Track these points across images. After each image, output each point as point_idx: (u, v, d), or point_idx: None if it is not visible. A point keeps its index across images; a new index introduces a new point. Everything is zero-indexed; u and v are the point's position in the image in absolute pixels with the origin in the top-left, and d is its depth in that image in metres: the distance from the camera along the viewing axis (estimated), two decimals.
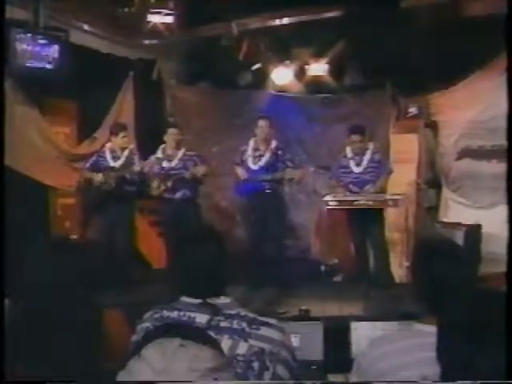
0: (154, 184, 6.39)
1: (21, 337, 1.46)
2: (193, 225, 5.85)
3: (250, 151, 6.40)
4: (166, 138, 6.53)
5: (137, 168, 6.42)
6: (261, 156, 6.34)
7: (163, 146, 6.57)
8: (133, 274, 6.48)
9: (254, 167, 6.34)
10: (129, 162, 6.50)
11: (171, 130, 6.54)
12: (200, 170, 6.38)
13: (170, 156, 6.48)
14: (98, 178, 6.38)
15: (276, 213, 6.32)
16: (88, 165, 6.58)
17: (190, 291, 2.10)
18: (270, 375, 1.96)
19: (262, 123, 6.33)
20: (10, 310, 1.63)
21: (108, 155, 6.56)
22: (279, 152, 6.34)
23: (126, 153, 6.56)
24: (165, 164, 6.46)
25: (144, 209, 7.87)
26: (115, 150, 6.57)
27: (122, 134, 6.56)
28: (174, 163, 6.46)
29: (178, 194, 6.39)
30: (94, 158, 6.62)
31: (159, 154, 6.54)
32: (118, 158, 6.54)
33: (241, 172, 6.38)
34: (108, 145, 6.63)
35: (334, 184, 6.57)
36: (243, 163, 6.41)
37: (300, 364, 2.18)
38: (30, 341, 1.45)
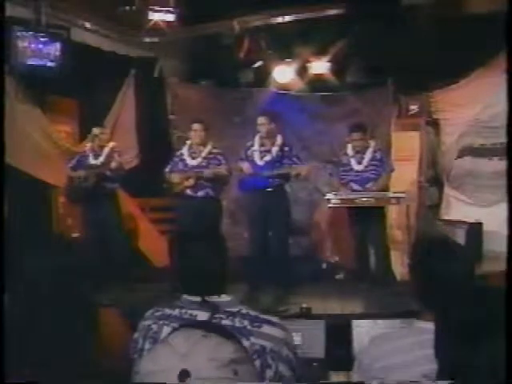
0: (175, 180, 6.28)
1: (21, 336, 1.46)
2: (209, 224, 5.69)
3: (256, 147, 6.25)
4: (190, 133, 6.35)
5: (114, 164, 6.38)
6: (267, 152, 6.20)
7: (189, 142, 6.41)
8: (133, 272, 6.46)
9: (259, 163, 6.19)
10: (109, 160, 6.50)
11: (195, 126, 6.29)
12: (224, 168, 6.22)
13: (194, 153, 6.34)
14: (79, 176, 6.40)
15: (280, 210, 6.20)
16: (71, 164, 6.59)
17: (190, 289, 2.11)
18: (272, 373, 1.96)
19: (261, 120, 6.15)
20: (10, 309, 1.63)
21: (89, 154, 6.58)
22: (286, 148, 6.19)
23: (107, 150, 6.57)
24: (189, 161, 6.32)
25: (145, 207, 7.89)
26: (95, 148, 6.59)
27: (98, 131, 6.57)
28: (198, 161, 6.30)
29: (201, 193, 6.25)
30: (77, 157, 6.64)
31: (184, 150, 6.42)
32: (99, 156, 6.55)
33: (246, 166, 6.19)
34: (89, 144, 6.64)
35: (335, 182, 6.56)
36: (248, 158, 6.26)
37: (302, 362, 2.18)
38: (30, 340, 1.45)
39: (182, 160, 6.35)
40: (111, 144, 6.66)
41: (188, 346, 1.19)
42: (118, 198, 6.78)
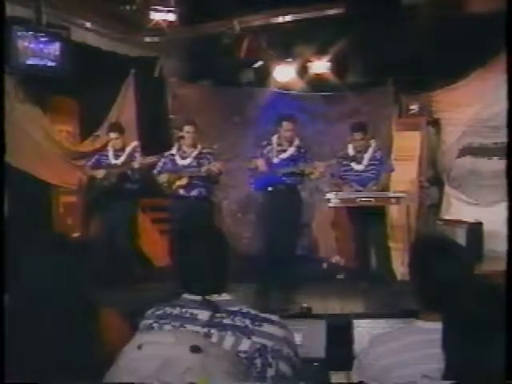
0: (168, 180, 6.31)
1: (21, 336, 1.46)
2: (206, 223, 5.70)
3: (273, 145, 6.27)
4: (182, 135, 6.42)
5: (136, 164, 6.36)
6: (283, 151, 6.23)
7: (179, 142, 6.48)
8: (134, 272, 6.47)
9: (275, 160, 6.21)
10: (130, 160, 6.47)
11: (187, 128, 6.36)
12: (216, 165, 6.23)
13: (185, 153, 6.38)
14: (100, 175, 6.39)
15: (292, 210, 6.21)
16: (90, 163, 6.58)
17: (190, 288, 2.11)
18: (273, 372, 1.96)
19: (287, 126, 6.17)
20: (11, 308, 1.64)
21: (110, 153, 6.55)
22: (302, 150, 6.24)
23: (128, 150, 6.55)
24: (179, 161, 6.36)
25: (145, 206, 7.88)
26: (117, 148, 6.56)
27: (113, 135, 6.52)
28: (188, 161, 6.35)
29: (194, 192, 6.30)
30: (96, 157, 6.61)
31: (174, 150, 6.46)
32: (120, 156, 6.53)
33: (261, 164, 6.19)
34: (110, 143, 6.62)
35: (336, 182, 6.57)
36: (263, 156, 6.26)
37: (302, 361, 2.18)
38: (31, 339, 1.45)
39: (173, 160, 6.39)
40: (133, 144, 6.65)
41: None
42: (137, 198, 6.79)
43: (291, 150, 6.22)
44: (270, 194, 6.24)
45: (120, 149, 6.53)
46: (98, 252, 6.08)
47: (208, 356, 1.10)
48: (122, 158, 6.51)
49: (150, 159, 6.38)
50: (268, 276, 6.10)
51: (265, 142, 6.35)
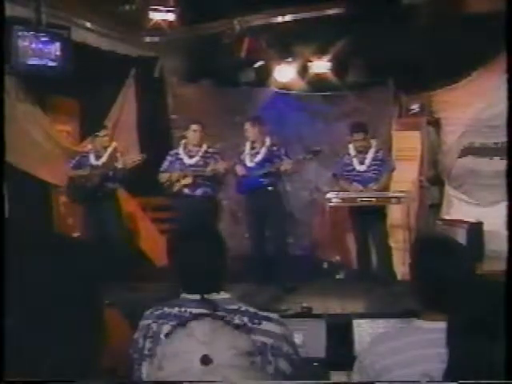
0: (170, 179, 6.31)
1: (21, 335, 1.46)
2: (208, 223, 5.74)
3: (246, 150, 6.42)
4: (187, 133, 6.42)
5: (120, 165, 6.37)
6: (257, 154, 6.35)
7: (184, 141, 6.50)
8: (134, 272, 6.46)
9: (250, 164, 6.34)
10: (111, 160, 6.48)
11: (194, 126, 6.37)
12: (221, 165, 6.26)
13: (191, 152, 6.40)
14: (81, 175, 6.40)
15: (275, 209, 6.30)
16: (72, 164, 6.58)
17: (189, 288, 2.11)
18: (273, 369, 1.96)
19: (245, 126, 6.39)
20: (10, 308, 1.63)
21: (91, 154, 6.57)
22: (274, 148, 6.33)
23: (109, 151, 6.55)
24: (186, 160, 6.38)
25: (146, 206, 7.88)
26: (98, 149, 6.57)
27: (102, 133, 6.55)
28: (195, 160, 6.36)
29: (199, 192, 6.31)
30: (77, 158, 6.62)
31: (180, 149, 6.48)
32: (101, 156, 6.54)
33: (239, 169, 6.35)
34: (90, 144, 6.63)
35: (338, 182, 6.58)
36: (241, 162, 6.42)
37: (302, 359, 2.18)
38: (30, 339, 1.45)
39: (179, 159, 6.39)
40: (113, 144, 6.66)
41: (209, 333, 1.21)
42: (118, 197, 6.77)
43: (263, 151, 6.33)
44: (251, 196, 6.36)
45: (104, 148, 6.55)
46: (96, 252, 6.07)
47: None
48: (103, 159, 6.53)
49: (132, 159, 6.41)
50: (263, 276, 6.14)
51: (242, 148, 6.50)
